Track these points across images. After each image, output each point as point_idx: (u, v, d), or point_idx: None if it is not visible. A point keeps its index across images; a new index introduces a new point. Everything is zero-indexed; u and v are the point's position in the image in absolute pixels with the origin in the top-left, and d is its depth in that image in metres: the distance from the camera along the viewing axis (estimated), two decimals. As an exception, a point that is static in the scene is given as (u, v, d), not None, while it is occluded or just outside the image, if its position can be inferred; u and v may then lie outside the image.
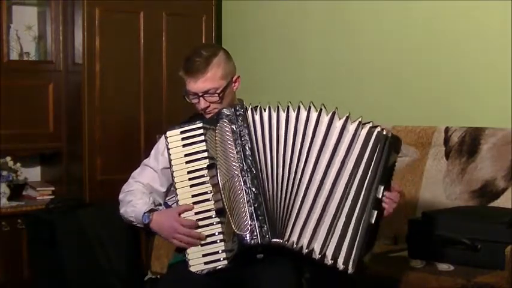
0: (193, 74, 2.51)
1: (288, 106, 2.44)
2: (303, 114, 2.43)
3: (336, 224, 2.38)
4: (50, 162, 4.55)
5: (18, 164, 4.29)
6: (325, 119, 2.43)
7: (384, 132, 2.44)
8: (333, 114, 2.43)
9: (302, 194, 2.39)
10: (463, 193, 3.31)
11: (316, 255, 2.35)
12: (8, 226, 4.12)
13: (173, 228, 2.42)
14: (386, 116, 3.81)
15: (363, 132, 2.43)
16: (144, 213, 2.50)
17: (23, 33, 4.45)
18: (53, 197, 4.32)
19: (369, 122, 2.45)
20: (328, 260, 2.36)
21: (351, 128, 2.43)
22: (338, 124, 2.42)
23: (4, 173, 4.21)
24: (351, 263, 2.35)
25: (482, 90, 3.55)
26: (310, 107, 2.43)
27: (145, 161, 2.69)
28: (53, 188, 4.43)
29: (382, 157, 2.41)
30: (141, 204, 2.53)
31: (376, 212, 2.39)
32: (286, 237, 2.36)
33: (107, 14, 4.23)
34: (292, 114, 2.43)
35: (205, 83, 2.51)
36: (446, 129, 3.47)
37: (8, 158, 4.23)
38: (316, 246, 2.36)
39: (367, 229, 2.37)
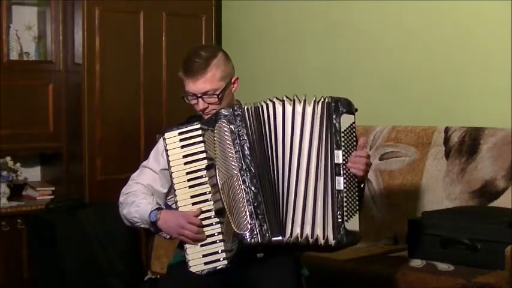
0: (192, 74, 2.51)
1: (274, 101, 2.47)
2: (288, 107, 2.46)
3: (307, 201, 2.39)
4: (50, 162, 4.55)
5: (18, 164, 4.28)
6: (298, 109, 2.45)
7: (328, 101, 2.46)
8: (293, 101, 2.46)
9: (287, 186, 2.41)
10: (463, 193, 3.31)
11: (299, 239, 2.36)
12: (8, 226, 4.12)
13: (180, 224, 2.43)
14: (386, 116, 3.82)
15: (318, 109, 2.45)
16: (152, 211, 2.50)
17: (23, 33, 4.45)
18: (53, 197, 4.32)
19: (320, 98, 2.47)
20: (309, 240, 2.37)
21: (309, 110, 2.45)
22: (299, 110, 2.45)
23: (4, 173, 4.21)
24: (329, 235, 2.36)
25: (482, 91, 3.55)
26: (295, 100, 2.46)
27: (144, 163, 2.69)
28: (53, 188, 4.43)
29: (330, 123, 2.43)
30: (145, 204, 2.53)
31: (341, 178, 2.38)
32: (287, 234, 2.37)
33: (107, 14, 4.23)
34: (270, 110, 2.45)
35: (204, 84, 2.50)
36: (446, 129, 3.47)
37: (8, 158, 4.22)
38: (299, 230, 2.37)
39: (338, 196, 2.37)
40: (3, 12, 4.24)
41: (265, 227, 2.34)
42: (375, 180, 3.56)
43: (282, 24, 4.47)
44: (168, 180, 2.57)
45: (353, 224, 2.38)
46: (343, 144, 2.41)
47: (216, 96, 2.51)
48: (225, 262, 2.40)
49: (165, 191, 2.63)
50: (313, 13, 4.29)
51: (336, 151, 2.40)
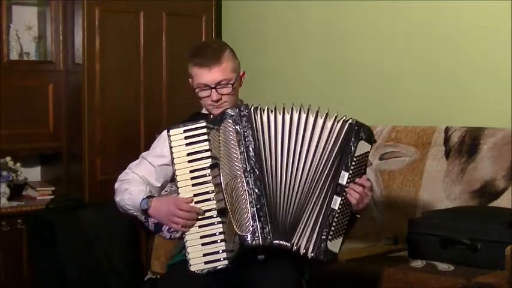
0: (207, 63, 2.53)
1: (292, 108, 2.45)
2: (310, 118, 2.44)
3: (304, 211, 2.40)
4: (50, 162, 4.55)
5: (18, 164, 4.28)
6: (319, 121, 2.44)
7: (352, 122, 2.45)
8: (316, 113, 2.44)
9: (289, 193, 2.41)
10: (463, 193, 3.32)
11: (285, 244, 2.37)
12: (8, 226, 4.12)
13: (171, 212, 2.44)
14: (386, 116, 3.82)
15: (337, 126, 2.45)
16: (143, 199, 2.51)
17: (23, 33, 4.44)
18: (53, 197, 4.32)
19: (343, 117, 2.46)
20: (293, 247, 2.37)
21: (329, 124, 2.45)
22: (319, 123, 2.44)
23: (4, 173, 4.20)
24: (311, 247, 2.37)
25: (482, 91, 3.56)
26: (318, 112, 2.45)
27: (144, 154, 2.71)
28: (53, 188, 4.42)
29: (347, 145, 2.42)
30: (138, 192, 2.55)
31: (339, 199, 2.40)
32: (292, 240, 2.38)
33: (107, 14, 4.23)
34: (295, 117, 2.44)
35: (219, 73, 2.53)
36: (446, 129, 3.47)
37: (8, 158, 4.22)
38: (290, 235, 2.38)
39: (330, 214, 2.38)
40: (3, 12, 4.24)
41: (267, 230, 2.34)
42: (375, 180, 3.56)
43: (282, 24, 4.48)
44: (164, 175, 2.61)
45: (335, 245, 2.40)
46: (351, 168, 2.42)
47: (230, 85, 2.54)
48: (226, 262, 2.40)
49: (159, 185, 2.65)
50: (312, 13, 4.29)
51: (342, 172, 2.41)
